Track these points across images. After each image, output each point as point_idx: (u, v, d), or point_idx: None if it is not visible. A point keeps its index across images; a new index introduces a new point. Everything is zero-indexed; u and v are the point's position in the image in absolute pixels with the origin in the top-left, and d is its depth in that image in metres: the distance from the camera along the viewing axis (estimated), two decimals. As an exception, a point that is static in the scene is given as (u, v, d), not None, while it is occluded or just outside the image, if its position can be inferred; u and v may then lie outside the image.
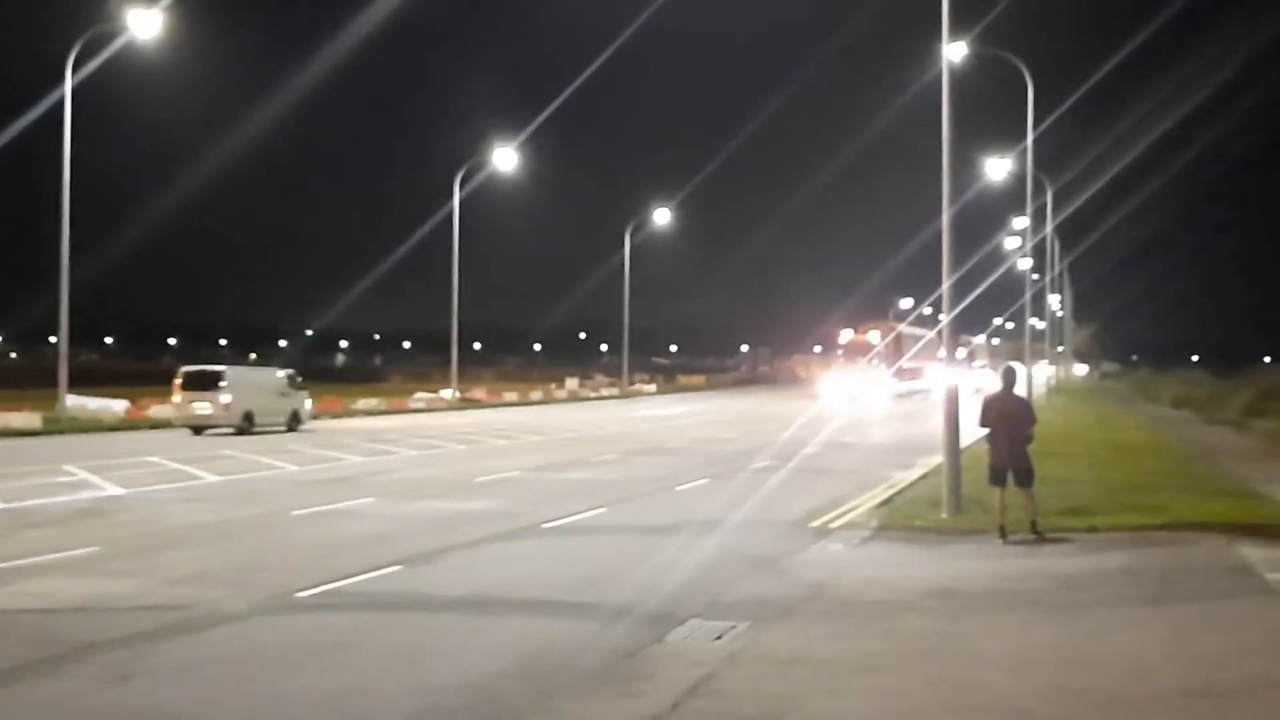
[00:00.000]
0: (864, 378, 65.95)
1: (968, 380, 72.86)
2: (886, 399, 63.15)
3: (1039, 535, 14.29)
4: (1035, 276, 60.96)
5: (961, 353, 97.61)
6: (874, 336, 71.79)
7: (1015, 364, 15.66)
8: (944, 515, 15.99)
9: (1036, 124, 44.60)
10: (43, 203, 47.36)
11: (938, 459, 19.04)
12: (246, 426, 35.60)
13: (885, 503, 18.33)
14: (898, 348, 70.08)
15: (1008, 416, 14.64)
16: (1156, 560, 13.01)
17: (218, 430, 35.49)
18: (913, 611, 10.55)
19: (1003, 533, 14.25)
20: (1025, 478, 14.47)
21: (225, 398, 35.55)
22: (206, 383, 36.10)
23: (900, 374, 69.67)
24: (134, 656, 8.89)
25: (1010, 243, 74.96)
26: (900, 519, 16.10)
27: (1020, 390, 15.51)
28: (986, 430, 14.89)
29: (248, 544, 14.70)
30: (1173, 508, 16.10)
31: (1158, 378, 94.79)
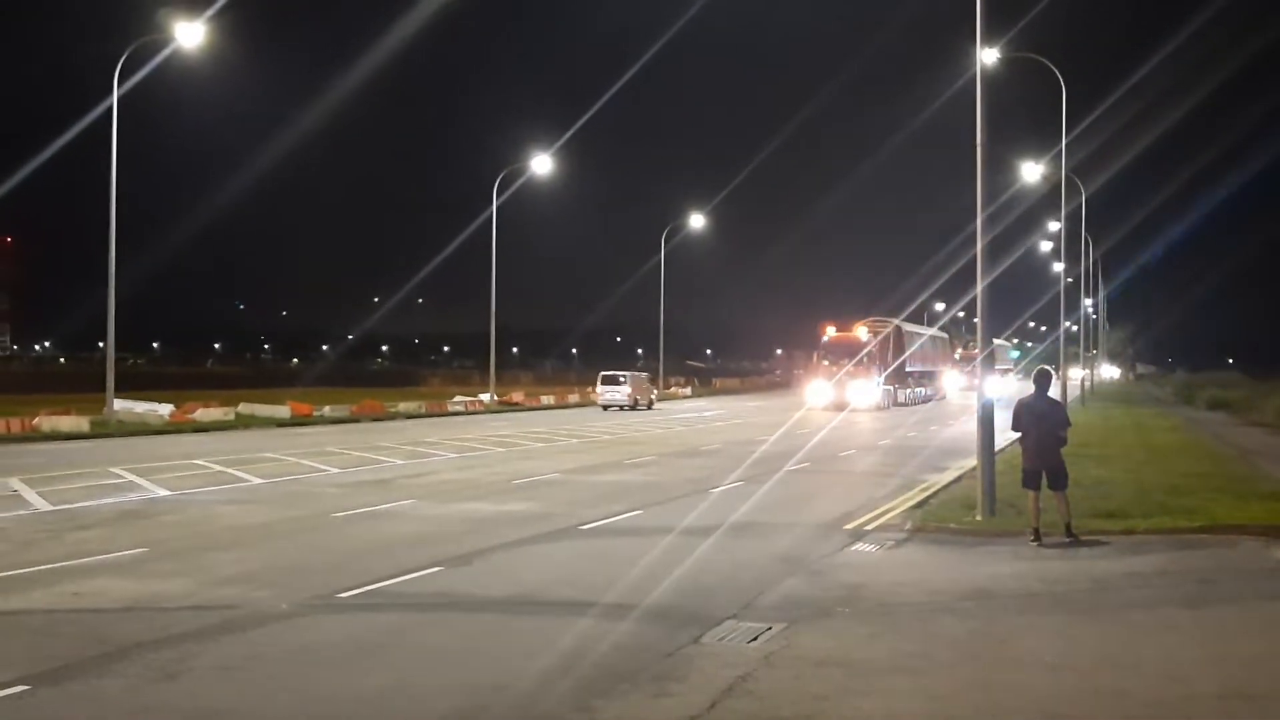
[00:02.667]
0: (851, 383, 55.77)
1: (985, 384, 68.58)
2: (881, 409, 55.11)
3: (1074, 537, 14.19)
4: (1069, 280, 60.41)
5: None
6: (862, 334, 59.38)
7: (1047, 367, 15.52)
8: (978, 517, 15.90)
9: (1070, 127, 44.31)
10: (89, 211, 47.95)
11: (972, 462, 18.94)
12: (632, 405, 58.41)
13: (920, 505, 18.25)
14: (893, 348, 59.79)
15: (1041, 419, 14.54)
16: (1194, 562, 12.88)
17: (619, 408, 57.89)
18: (949, 613, 10.49)
19: (1037, 535, 14.15)
20: (1059, 480, 14.38)
21: (627, 388, 58.98)
22: (615, 380, 59.48)
23: (899, 378, 60.67)
24: (181, 655, 8.97)
25: (1045, 246, 74.40)
26: (935, 521, 16.02)
27: (1054, 393, 15.37)
28: (1019, 434, 14.81)
29: (291, 545, 14.80)
30: (1210, 510, 15.93)
31: (1193, 380, 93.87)
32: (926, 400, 66.04)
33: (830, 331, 60.03)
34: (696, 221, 78.03)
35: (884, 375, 57.85)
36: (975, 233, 16.69)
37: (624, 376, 59.76)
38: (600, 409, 57.86)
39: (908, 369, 62.12)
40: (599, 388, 59.60)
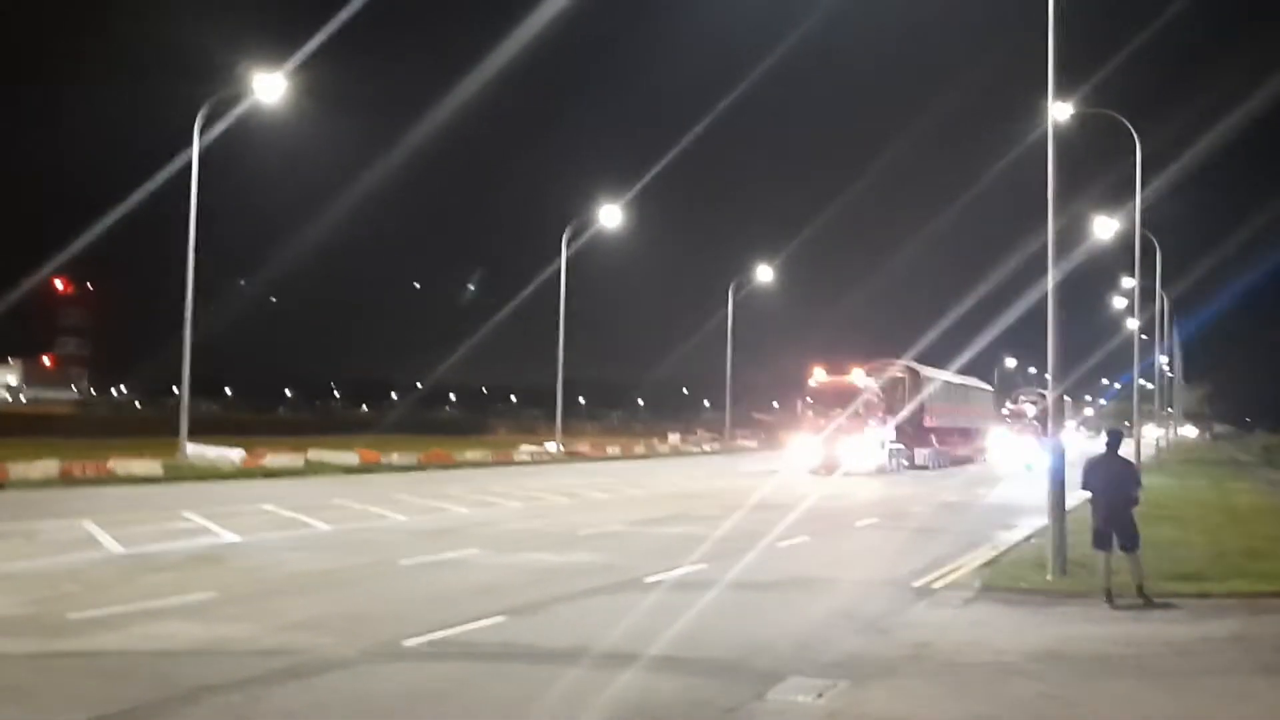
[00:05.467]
0: (844, 439, 45.29)
1: (1028, 444, 63.52)
2: (885, 473, 46.07)
3: (1146, 600, 13.92)
4: (1144, 337, 59.43)
5: (1030, 409, 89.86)
6: (860, 379, 48.21)
7: (1119, 425, 15.31)
8: (1049, 577, 15.67)
9: (1145, 183, 43.82)
10: (168, 258, 49.01)
11: (1042, 520, 18.68)
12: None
13: (989, 563, 18.02)
14: (905, 395, 50.84)
15: (1112, 479, 14.33)
16: (1271, 628, 12.60)
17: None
18: (1018, 674, 10.34)
19: (1109, 597, 13.91)
20: (1130, 542, 14.14)
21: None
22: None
23: (916, 435, 51.51)
24: (248, 700, 9.08)
25: (1119, 303, 73.37)
26: (1004, 580, 15.80)
27: (1126, 452, 15.15)
28: (1089, 494, 14.61)
29: (357, 592, 14.92)
30: (1289, 574, 15.56)
31: (1274, 441, 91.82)
32: (958, 463, 56.35)
33: (819, 375, 48.64)
34: (764, 274, 78.31)
35: (890, 430, 48.46)
36: (1045, 285, 16.58)
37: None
38: (661, 460, 57.72)
39: (927, 423, 52.81)
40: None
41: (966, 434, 61.20)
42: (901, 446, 49.72)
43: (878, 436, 47.03)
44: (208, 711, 8.76)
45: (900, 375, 51.90)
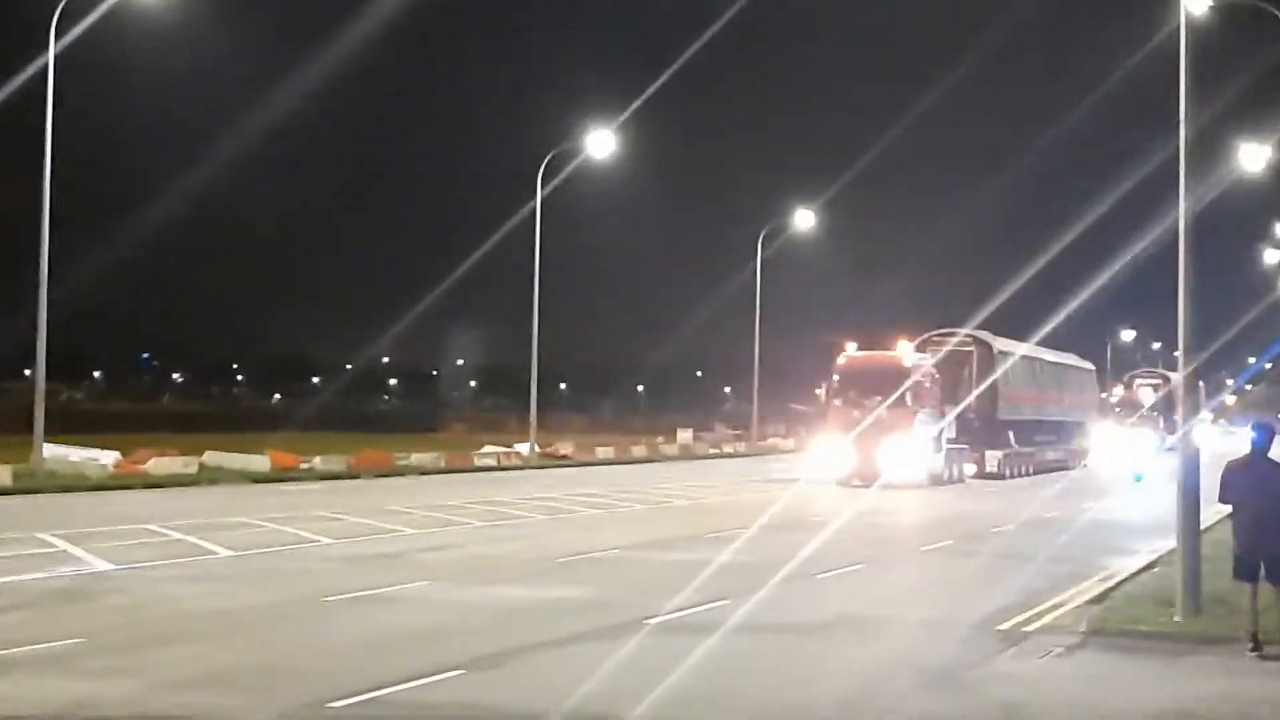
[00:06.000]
0: (884, 439, 42.81)
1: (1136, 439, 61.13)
2: (941, 484, 44.70)
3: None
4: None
5: (1149, 396, 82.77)
6: (908, 356, 46.03)
7: (1269, 418, 15.22)
8: (1177, 618, 15.66)
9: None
10: (18, 209, 48.86)
11: (1168, 543, 18.69)
12: None
13: (1099, 599, 18.01)
14: (974, 378, 49.26)
15: (1260, 489, 14.23)
16: None
17: None
18: (1138, 745, 10.34)
19: (1256, 642, 13.89)
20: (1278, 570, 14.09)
21: None
22: None
23: (988, 432, 50.19)
24: (125, 780, 9.07)
25: (1271, 258, 73.06)
26: (1119, 621, 15.80)
27: (1277, 454, 15.05)
28: (1229, 509, 14.55)
29: (269, 638, 14.91)
30: None
31: None
32: (1046, 469, 54.74)
33: (851, 351, 47.01)
34: (803, 221, 76.99)
35: (949, 425, 46.66)
36: (1173, 230, 16.56)
37: None
38: (667, 465, 57.52)
39: (1002, 415, 51.25)
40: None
41: (1058, 430, 59.85)
42: (965, 447, 48.40)
43: (932, 434, 44.95)
44: (73, 795, 8.76)
45: (965, 349, 50.20)
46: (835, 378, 46.14)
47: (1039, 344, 56.67)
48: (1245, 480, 14.29)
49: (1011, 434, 52.28)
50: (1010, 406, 52.00)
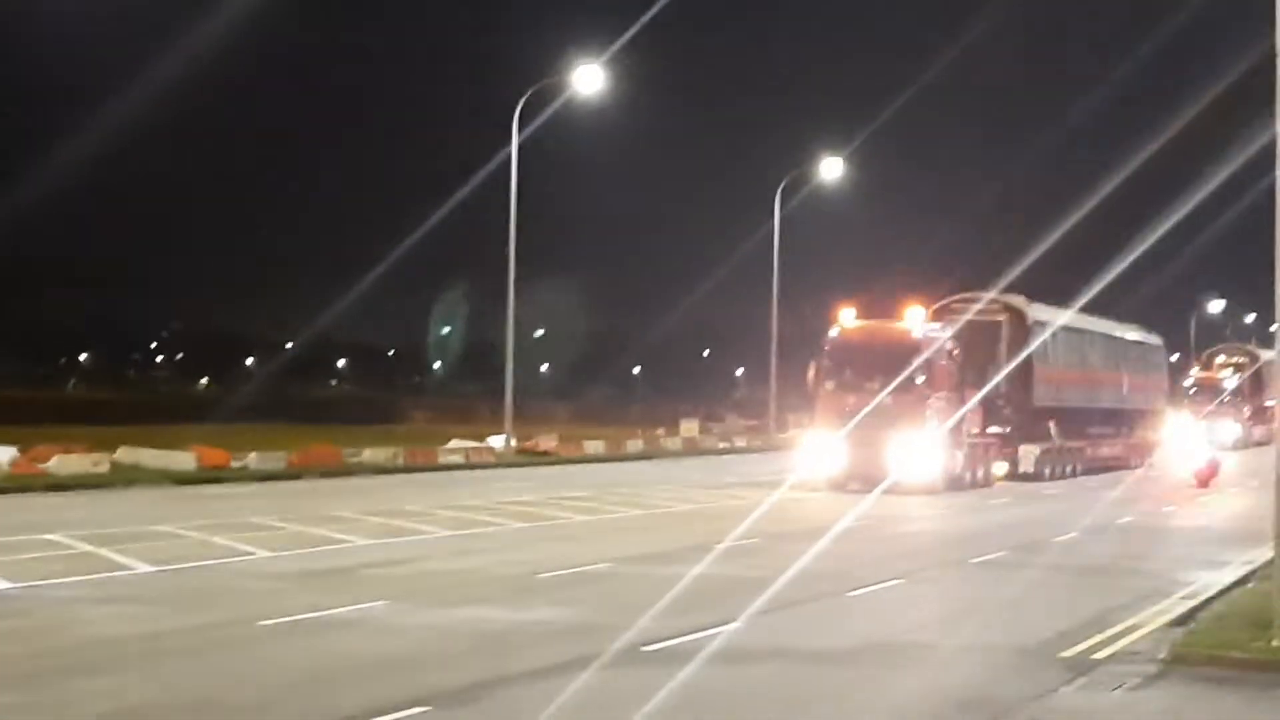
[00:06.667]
0: (890, 433, 40.60)
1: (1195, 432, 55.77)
2: (963, 488, 42.78)
3: None
4: None
5: (1231, 377, 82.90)
6: (918, 327, 43.49)
7: None
8: (1276, 642, 15.69)
9: None
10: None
11: (1267, 553, 18.71)
12: None
13: (1181, 621, 18.06)
14: (1004, 354, 46.75)
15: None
16: None
17: None
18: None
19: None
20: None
21: None
22: None
23: (1028, 423, 48.78)
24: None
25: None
26: (1206, 647, 15.83)
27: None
28: None
29: (196, 669, 14.88)
30: None
31: None
32: (1099, 469, 53.54)
33: (847, 321, 44.57)
34: (830, 170, 76.61)
35: (972, 413, 44.28)
36: (1270, 181, 16.52)
37: None
38: (670, 462, 57.30)
39: (1040, 401, 49.65)
40: None
41: (1115, 419, 58.22)
42: (994, 442, 46.70)
43: (949, 425, 42.48)
44: None
45: (993, 318, 47.78)
46: (827, 355, 44.11)
47: (1095, 314, 55.02)
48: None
49: (1052, 425, 50.49)
50: (1050, 390, 50.18)
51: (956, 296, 48.86)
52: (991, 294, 48.75)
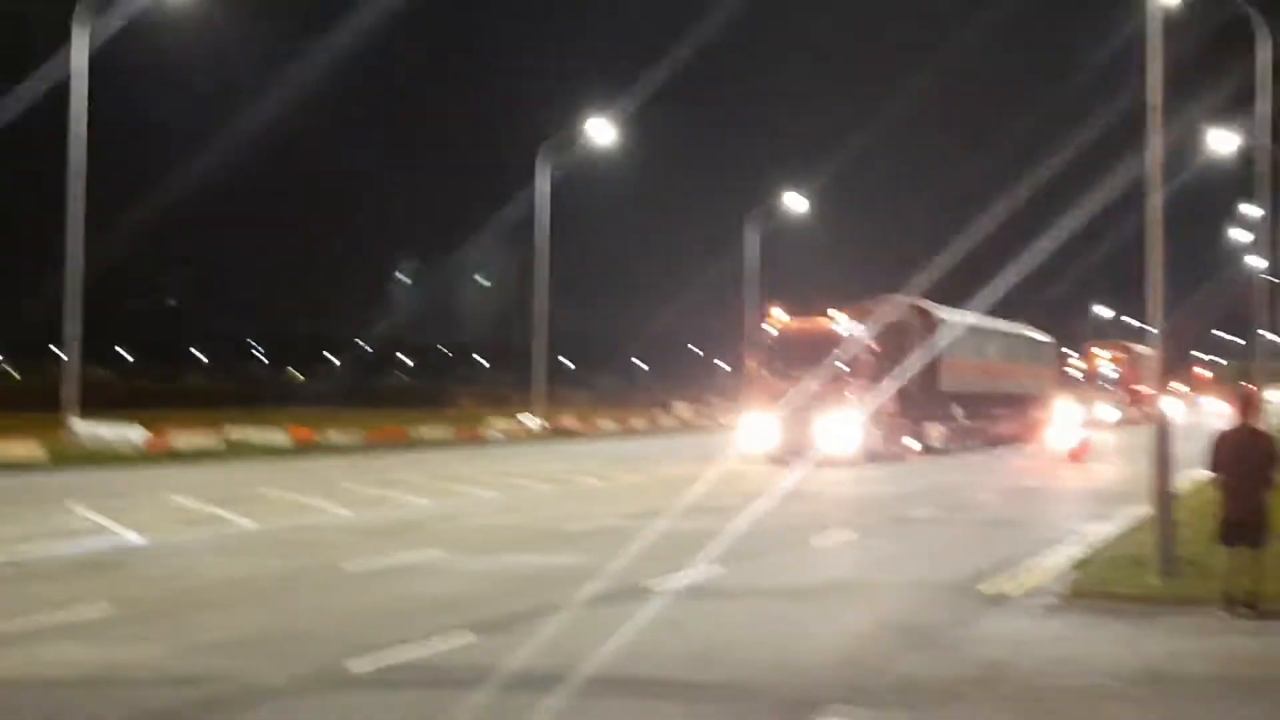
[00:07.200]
0: (822, 411, 39.80)
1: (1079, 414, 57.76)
2: (893, 459, 41.93)
3: (1256, 610, 13.83)
4: (1274, 279, 58.81)
5: (1107, 367, 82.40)
6: (842, 325, 42.38)
7: (1254, 388, 15.22)
8: (1153, 580, 15.67)
9: (1275, 84, 43.40)
10: (46, 190, 48.76)
11: (1145, 509, 18.70)
12: None
13: (1077, 563, 18.06)
14: (910, 346, 45.07)
15: (1244, 456, 14.23)
16: None
17: None
18: (1117, 700, 10.36)
19: (1230, 603, 13.90)
20: (1258, 535, 14.07)
21: None
22: None
23: (929, 405, 46.86)
24: (154, 741, 9.08)
25: (1239, 238, 72.75)
26: (1097, 584, 15.81)
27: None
28: (1218, 475, 14.54)
29: (290, 605, 14.94)
30: None
31: None
32: (997, 443, 52.49)
33: (779, 318, 43.18)
34: (792, 201, 76.95)
35: (887, 397, 42.55)
36: (1144, 215, 16.54)
37: None
38: (669, 438, 57.48)
39: (945, 386, 48.17)
40: None
41: (1010, 403, 56.41)
42: (906, 421, 45.05)
43: (867, 406, 41.25)
44: (105, 756, 8.76)
45: (905, 318, 46.77)
46: (763, 349, 43.09)
47: (1025, 320, 54.81)
48: (1233, 449, 14.31)
49: (957, 407, 49.40)
50: (954, 378, 48.84)
51: (874, 299, 47.76)
52: (903, 298, 48.24)
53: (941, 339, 47.14)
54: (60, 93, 38.84)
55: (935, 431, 47.24)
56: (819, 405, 39.69)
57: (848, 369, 40.80)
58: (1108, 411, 73.47)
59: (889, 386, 42.12)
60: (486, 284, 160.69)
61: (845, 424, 40.02)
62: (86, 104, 39.74)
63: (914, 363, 44.15)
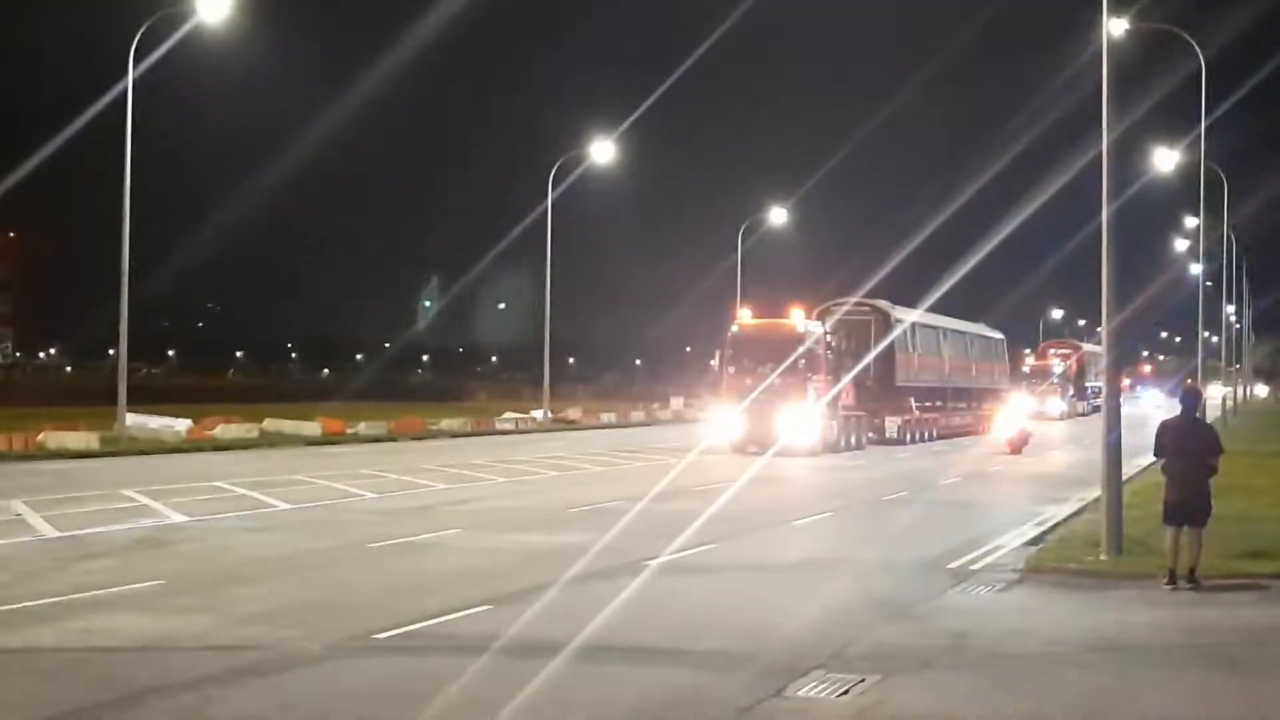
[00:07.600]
0: (784, 405, 38.60)
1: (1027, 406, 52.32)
2: (844, 451, 40.42)
3: (1195, 583, 13.88)
4: (1210, 284, 58.87)
5: (1058, 367, 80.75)
6: (801, 324, 40.53)
7: (1196, 383, 15.27)
8: (1103, 557, 15.71)
9: (1210, 109, 43.50)
10: (101, 208, 48.81)
11: (1095, 492, 18.74)
12: None
13: (1034, 541, 18.12)
14: (869, 346, 44.72)
15: (1188, 445, 14.32)
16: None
17: None
18: (1070, 665, 10.39)
19: (1173, 578, 13.95)
20: (1199, 516, 14.13)
21: None
22: None
23: (887, 399, 46.02)
24: (203, 701, 9.10)
25: (1183, 247, 72.75)
26: (1052, 560, 15.86)
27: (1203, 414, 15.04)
28: (1162, 461, 14.63)
29: (322, 579, 14.96)
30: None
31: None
32: (950, 435, 51.26)
33: (745, 318, 42.70)
34: (777, 216, 76.87)
35: (846, 391, 41.90)
36: (1095, 226, 16.54)
37: None
38: (663, 428, 57.43)
39: (900, 381, 47.34)
40: None
41: (964, 397, 55.39)
42: (863, 414, 43.79)
43: (826, 400, 40.05)
44: (157, 715, 8.78)
45: (862, 317, 45.84)
46: (729, 347, 41.54)
47: (988, 321, 53.63)
48: (1175, 438, 14.41)
49: (912, 400, 48.05)
50: (909, 373, 47.98)
51: (833, 301, 46.92)
52: (861, 299, 47.30)
53: (897, 336, 46.42)
54: (120, 125, 38.67)
55: (892, 423, 46.13)
56: (779, 399, 38.74)
57: (807, 365, 39.61)
58: (1058, 405, 73.43)
59: (846, 381, 41.64)
60: (501, 306, 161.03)
61: (804, 417, 38.80)
62: (130, 141, 39.67)
63: (871, 358, 43.72)
